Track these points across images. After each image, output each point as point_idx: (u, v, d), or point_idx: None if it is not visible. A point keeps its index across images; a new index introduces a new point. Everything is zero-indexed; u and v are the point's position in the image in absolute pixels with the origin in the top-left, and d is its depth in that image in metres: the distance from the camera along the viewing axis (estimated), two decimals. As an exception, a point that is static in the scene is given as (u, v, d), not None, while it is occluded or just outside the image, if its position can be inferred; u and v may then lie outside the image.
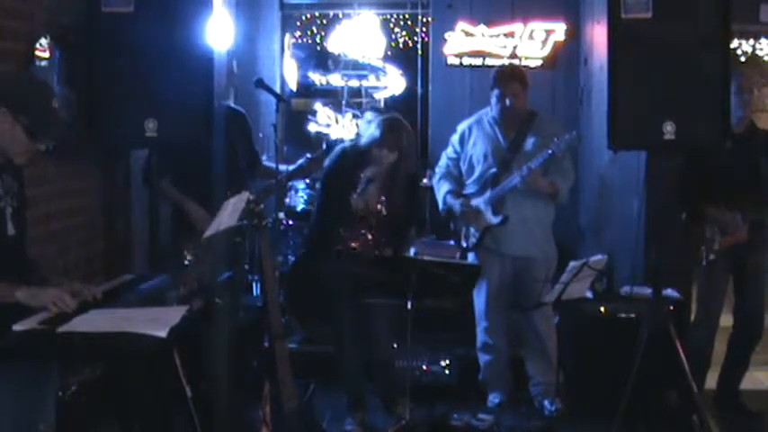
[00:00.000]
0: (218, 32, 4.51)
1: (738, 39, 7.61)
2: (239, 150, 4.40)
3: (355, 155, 4.35)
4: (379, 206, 4.29)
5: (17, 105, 2.62)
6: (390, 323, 4.28)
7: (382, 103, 7.25)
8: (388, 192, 4.30)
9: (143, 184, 4.35)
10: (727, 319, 4.70)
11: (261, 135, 5.41)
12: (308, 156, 4.55)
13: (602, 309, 4.59)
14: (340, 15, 7.32)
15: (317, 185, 5.23)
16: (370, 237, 4.29)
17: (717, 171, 4.40)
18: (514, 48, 6.73)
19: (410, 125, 4.45)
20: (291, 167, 4.53)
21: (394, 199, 4.31)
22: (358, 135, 4.79)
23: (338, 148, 4.49)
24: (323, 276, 4.34)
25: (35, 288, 2.61)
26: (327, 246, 4.28)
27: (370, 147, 4.27)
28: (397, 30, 7.64)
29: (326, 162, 4.45)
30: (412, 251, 4.68)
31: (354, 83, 7.24)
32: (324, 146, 6.04)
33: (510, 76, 4.55)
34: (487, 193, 4.53)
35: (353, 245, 4.25)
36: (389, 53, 7.47)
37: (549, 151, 4.30)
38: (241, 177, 4.33)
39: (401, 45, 7.68)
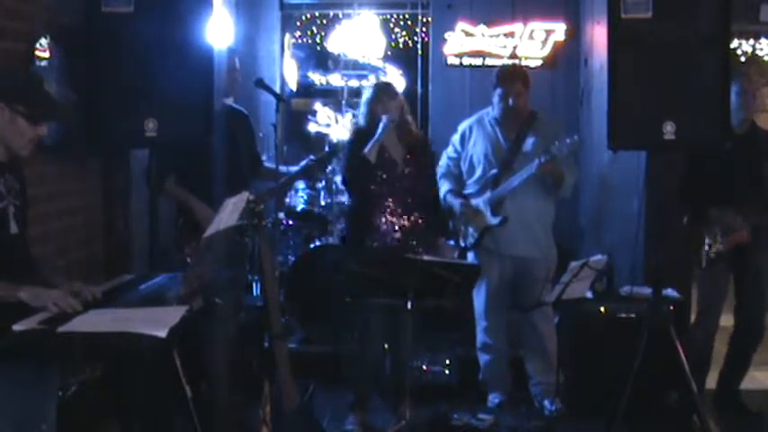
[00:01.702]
0: (218, 32, 4.51)
1: (738, 39, 7.63)
2: (241, 151, 4.39)
3: (363, 129, 4.37)
4: (401, 162, 4.30)
5: (12, 97, 2.62)
6: (415, 324, 4.31)
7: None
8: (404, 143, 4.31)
9: (147, 187, 4.34)
10: (727, 320, 4.70)
11: (261, 135, 5.42)
12: (312, 157, 4.55)
13: (602, 309, 4.59)
14: (340, 15, 7.33)
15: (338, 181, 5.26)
16: (392, 205, 4.29)
17: (718, 172, 4.40)
18: (514, 48, 6.73)
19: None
20: (295, 169, 4.52)
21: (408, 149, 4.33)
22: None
23: (349, 137, 4.56)
24: (344, 276, 4.33)
25: (38, 288, 2.61)
26: (363, 234, 4.30)
27: (369, 119, 4.32)
28: (397, 30, 7.66)
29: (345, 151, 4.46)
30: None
31: (354, 83, 7.26)
32: (327, 147, 6.05)
33: (513, 76, 4.55)
34: (487, 194, 4.53)
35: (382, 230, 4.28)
36: (389, 53, 7.49)
37: (550, 155, 4.29)
38: (243, 178, 4.32)
39: (401, 45, 7.69)
